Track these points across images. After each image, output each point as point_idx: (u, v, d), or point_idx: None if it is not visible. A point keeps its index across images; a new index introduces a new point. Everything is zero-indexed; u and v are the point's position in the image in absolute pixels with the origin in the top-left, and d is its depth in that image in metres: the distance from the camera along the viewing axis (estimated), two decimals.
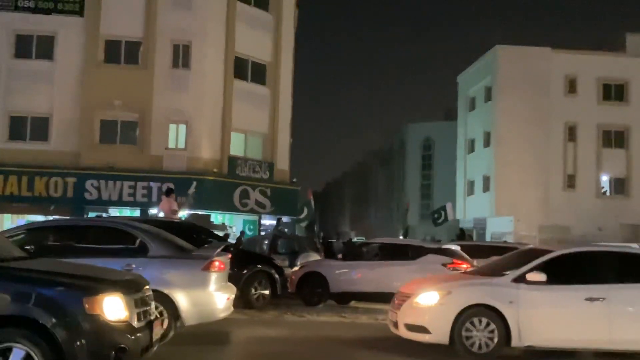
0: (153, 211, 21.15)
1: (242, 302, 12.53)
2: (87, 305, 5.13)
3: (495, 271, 8.81)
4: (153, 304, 6.18)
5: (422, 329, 8.15)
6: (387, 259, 14.27)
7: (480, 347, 7.98)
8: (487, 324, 8.00)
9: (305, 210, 23.51)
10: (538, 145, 38.52)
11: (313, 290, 13.85)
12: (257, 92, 27.82)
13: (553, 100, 38.98)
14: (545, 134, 38.77)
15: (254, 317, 11.43)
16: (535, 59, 38.95)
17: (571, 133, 39.58)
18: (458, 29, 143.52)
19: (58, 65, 25.65)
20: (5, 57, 25.42)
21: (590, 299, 8.02)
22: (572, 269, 8.49)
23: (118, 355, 5.21)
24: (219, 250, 8.53)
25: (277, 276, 13.07)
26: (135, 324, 5.47)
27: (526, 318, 7.99)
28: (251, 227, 27.78)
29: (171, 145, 25.75)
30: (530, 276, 8.12)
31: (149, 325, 5.78)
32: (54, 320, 4.97)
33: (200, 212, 24.39)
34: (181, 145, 25.77)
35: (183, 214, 20.13)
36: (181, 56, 25.97)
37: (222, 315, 8.37)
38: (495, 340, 7.97)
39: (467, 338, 7.98)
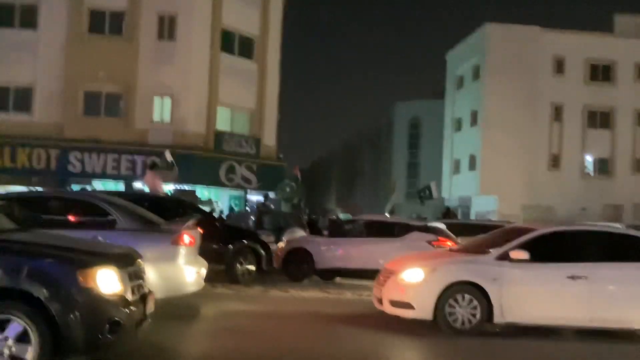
0: (138, 185, 21.02)
1: (227, 277, 12.56)
2: (81, 278, 5.08)
3: (480, 249, 8.88)
4: (146, 277, 6.15)
5: (407, 305, 8.22)
6: (373, 236, 14.33)
7: (462, 323, 8.07)
8: (471, 301, 8.08)
9: (288, 189, 23.45)
10: (524, 125, 38.66)
11: (298, 266, 13.89)
12: (244, 67, 27.58)
13: (540, 80, 39.05)
14: (531, 114, 38.90)
15: (240, 292, 11.45)
16: (524, 38, 38.90)
17: (557, 113, 39.77)
18: (448, 5, 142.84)
19: (41, 35, 25.25)
20: None
21: (572, 277, 8.11)
22: (555, 247, 8.58)
23: (112, 328, 5.18)
24: (188, 224, 8.48)
25: (262, 252, 13.06)
26: (129, 297, 5.45)
27: (509, 295, 8.08)
28: (237, 202, 27.76)
29: (156, 119, 25.53)
30: (514, 254, 8.19)
31: (143, 298, 5.77)
32: (47, 293, 4.92)
33: (186, 187, 24.30)
34: (167, 119, 25.56)
35: (168, 189, 20.06)
36: (167, 28, 25.64)
37: (191, 289, 8.35)
38: (478, 316, 8.07)
39: (450, 314, 8.07)
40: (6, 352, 4.88)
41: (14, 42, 24.99)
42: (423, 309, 8.13)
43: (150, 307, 5.97)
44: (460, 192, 42.72)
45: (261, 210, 20.07)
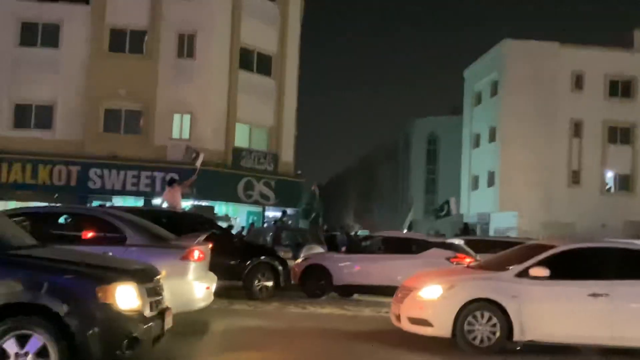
0: (156, 201, 21.17)
1: (245, 293, 12.56)
2: (100, 294, 5.13)
3: (499, 266, 8.79)
4: (164, 294, 6.17)
5: (425, 322, 8.14)
6: (391, 252, 14.25)
7: (482, 340, 7.97)
8: (490, 318, 7.98)
9: (314, 203, 23.42)
10: (543, 141, 38.37)
11: (316, 282, 13.84)
12: (262, 84, 27.79)
13: (559, 96, 38.80)
14: (550, 130, 38.61)
15: (257, 308, 11.43)
16: (543, 54, 38.73)
17: (577, 129, 39.43)
18: (465, 23, 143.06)
19: (63, 53, 25.67)
20: (10, 46, 25.47)
21: (594, 295, 7.99)
22: (576, 264, 8.46)
23: (130, 344, 5.21)
24: (199, 239, 8.49)
25: (280, 268, 13.05)
26: (147, 313, 5.47)
27: (529, 313, 7.97)
28: (255, 218, 27.82)
29: (175, 135, 25.76)
30: (534, 271, 8.09)
31: (161, 314, 5.78)
32: (66, 308, 4.97)
33: (204, 203, 24.43)
34: (185, 135, 25.78)
35: (186, 204, 20.16)
36: (186, 46, 25.96)
37: (200, 305, 8.31)
38: (497, 334, 7.97)
39: (469, 332, 7.97)
40: None
41: (37, 61, 25.46)
42: (441, 326, 8.05)
43: (169, 322, 5.99)
44: (479, 209, 42.40)
45: (279, 226, 20.08)
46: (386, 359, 7.74)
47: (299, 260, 15.02)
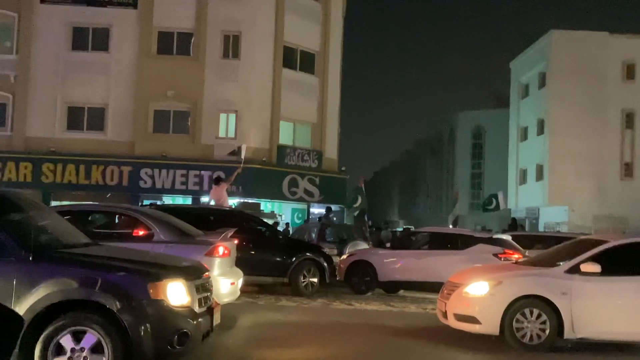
0: (204, 199, 21.56)
1: (291, 290, 12.70)
2: (151, 291, 5.26)
3: (548, 262, 8.65)
4: (213, 290, 6.31)
5: (472, 319, 8.08)
6: (437, 248, 14.17)
7: (531, 338, 7.87)
8: (539, 315, 7.87)
9: (359, 199, 23.40)
10: (594, 133, 37.36)
11: (361, 278, 13.88)
12: (305, 81, 27.93)
13: (610, 87, 37.69)
14: (601, 121, 37.56)
15: (303, 304, 11.53)
16: (592, 44, 37.70)
17: (629, 120, 38.24)
18: (510, 14, 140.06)
19: (113, 56, 26.32)
20: (63, 50, 26.25)
21: None
22: (629, 259, 8.25)
23: (181, 339, 5.32)
24: (224, 235, 8.61)
25: (325, 264, 13.14)
26: (196, 309, 5.59)
27: (580, 310, 7.82)
28: (300, 215, 28.00)
29: (221, 134, 26.15)
30: (585, 267, 7.94)
31: (210, 310, 5.91)
32: (119, 305, 5.11)
33: (250, 201, 24.73)
34: (231, 134, 26.13)
35: (234, 202, 20.47)
36: (231, 46, 26.29)
37: (225, 300, 8.37)
38: (547, 331, 7.85)
39: (518, 329, 7.88)
40: None
41: (88, 64, 26.19)
42: (489, 324, 7.97)
43: (217, 318, 6.13)
44: (527, 203, 41.59)
45: (324, 222, 20.15)
46: (431, 356, 7.72)
47: (344, 256, 15.07)
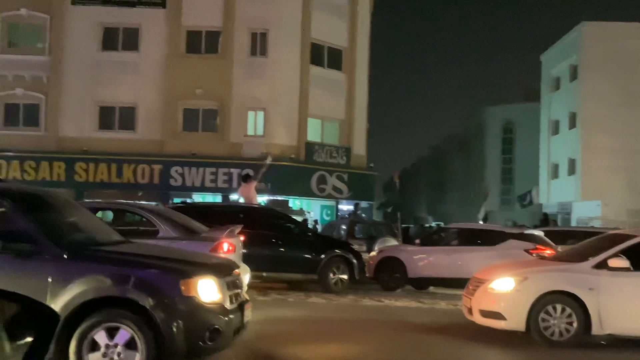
0: (233, 197, 21.74)
1: (320, 286, 12.75)
2: (183, 288, 5.33)
3: (575, 257, 8.55)
4: (244, 287, 6.37)
5: (497, 315, 8.01)
6: (466, 244, 14.09)
7: (560, 334, 7.78)
8: (566, 311, 7.77)
9: (397, 190, 23.26)
10: (627, 126, 36.55)
11: (391, 275, 13.87)
12: (333, 78, 27.92)
13: None
14: (634, 114, 36.71)
15: (332, 301, 11.58)
16: (624, 36, 36.85)
17: None
18: (539, 6, 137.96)
19: (143, 56, 26.65)
20: (93, 50, 26.67)
21: None
22: None
23: (212, 335, 5.38)
24: (229, 231, 8.65)
25: (354, 261, 13.16)
26: (227, 305, 5.64)
27: (608, 305, 7.70)
28: (328, 212, 28.04)
29: (250, 132, 26.31)
30: (613, 262, 7.82)
31: (241, 307, 5.96)
32: (152, 302, 5.18)
33: (278, 198, 24.85)
34: (259, 132, 26.28)
35: (263, 199, 20.57)
36: (259, 44, 26.41)
37: None
38: (574, 328, 7.75)
39: (545, 326, 7.79)
40: (115, 358, 5.17)
41: (119, 64, 26.57)
42: (515, 320, 7.89)
43: (248, 315, 6.19)
44: (560, 198, 40.95)
45: (353, 219, 20.16)
46: (457, 353, 7.69)
47: (374, 253, 15.07)
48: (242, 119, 26.27)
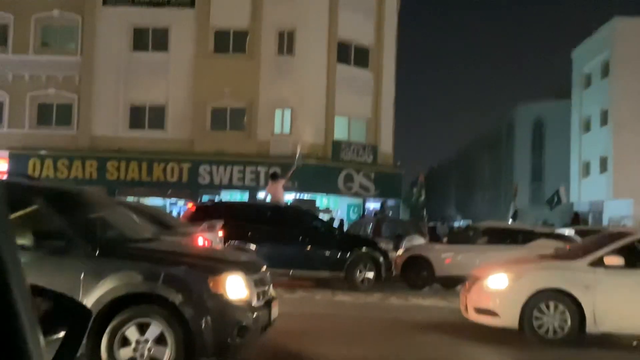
0: (260, 195, 21.88)
1: (347, 284, 12.77)
2: (211, 284, 5.40)
3: (572, 255, 8.46)
4: (271, 285, 6.45)
5: (491, 313, 7.92)
6: (495, 243, 13.95)
7: (554, 332, 7.65)
8: (560, 309, 7.64)
9: (423, 194, 23.17)
10: None
11: (418, 273, 13.83)
12: (360, 76, 27.88)
13: None
14: None
15: (359, 299, 11.57)
16: None
17: None
18: (570, 1, 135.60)
19: (172, 56, 26.98)
20: (124, 51, 27.08)
21: None
22: None
23: (240, 332, 5.44)
24: (206, 226, 8.66)
25: (381, 259, 13.16)
26: (255, 302, 5.70)
27: (603, 303, 7.55)
28: (355, 210, 28.02)
29: (277, 130, 26.44)
30: (608, 260, 7.70)
31: (268, 304, 6.02)
32: (181, 298, 5.25)
33: (305, 197, 24.92)
34: (286, 130, 26.38)
35: (290, 198, 20.66)
36: (286, 43, 26.52)
37: None
38: (568, 326, 7.61)
39: (538, 324, 7.68)
40: (146, 353, 5.26)
41: (149, 64, 26.94)
42: (508, 317, 7.79)
43: (275, 312, 6.25)
44: (591, 197, 40.29)
45: (379, 217, 20.12)
46: (471, 352, 7.63)
47: (401, 251, 15.03)
48: (270, 118, 26.42)
